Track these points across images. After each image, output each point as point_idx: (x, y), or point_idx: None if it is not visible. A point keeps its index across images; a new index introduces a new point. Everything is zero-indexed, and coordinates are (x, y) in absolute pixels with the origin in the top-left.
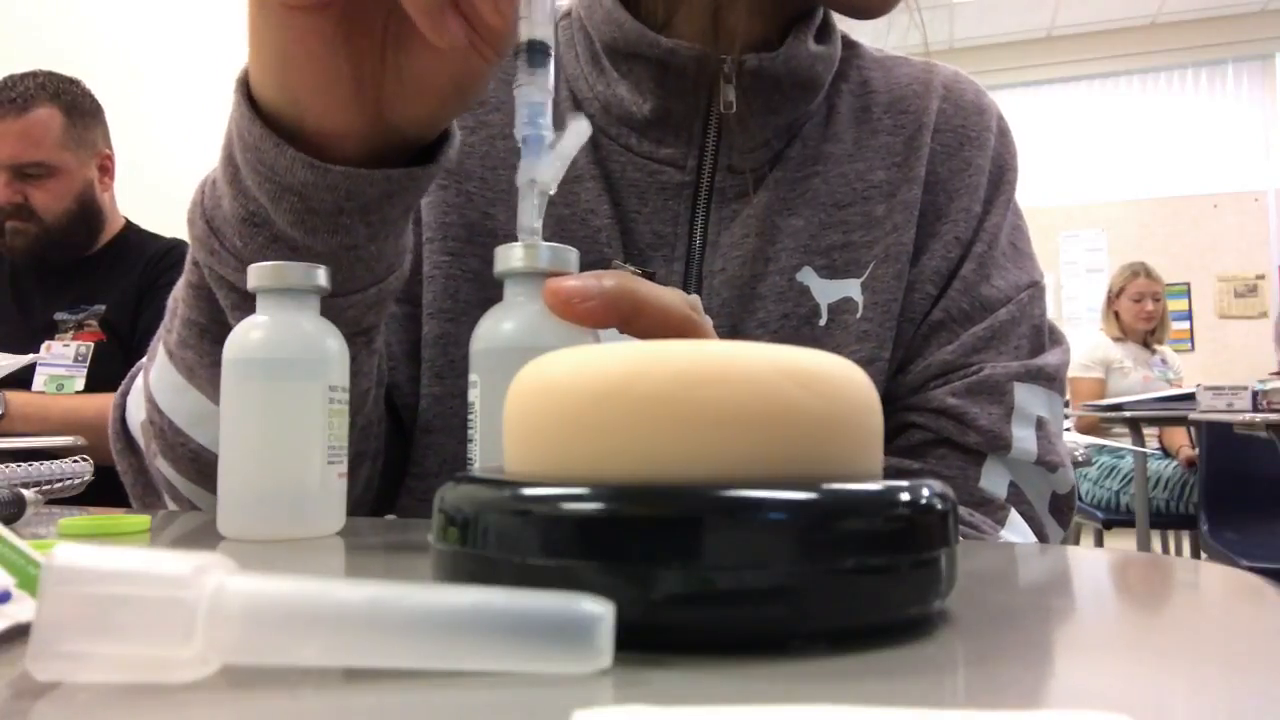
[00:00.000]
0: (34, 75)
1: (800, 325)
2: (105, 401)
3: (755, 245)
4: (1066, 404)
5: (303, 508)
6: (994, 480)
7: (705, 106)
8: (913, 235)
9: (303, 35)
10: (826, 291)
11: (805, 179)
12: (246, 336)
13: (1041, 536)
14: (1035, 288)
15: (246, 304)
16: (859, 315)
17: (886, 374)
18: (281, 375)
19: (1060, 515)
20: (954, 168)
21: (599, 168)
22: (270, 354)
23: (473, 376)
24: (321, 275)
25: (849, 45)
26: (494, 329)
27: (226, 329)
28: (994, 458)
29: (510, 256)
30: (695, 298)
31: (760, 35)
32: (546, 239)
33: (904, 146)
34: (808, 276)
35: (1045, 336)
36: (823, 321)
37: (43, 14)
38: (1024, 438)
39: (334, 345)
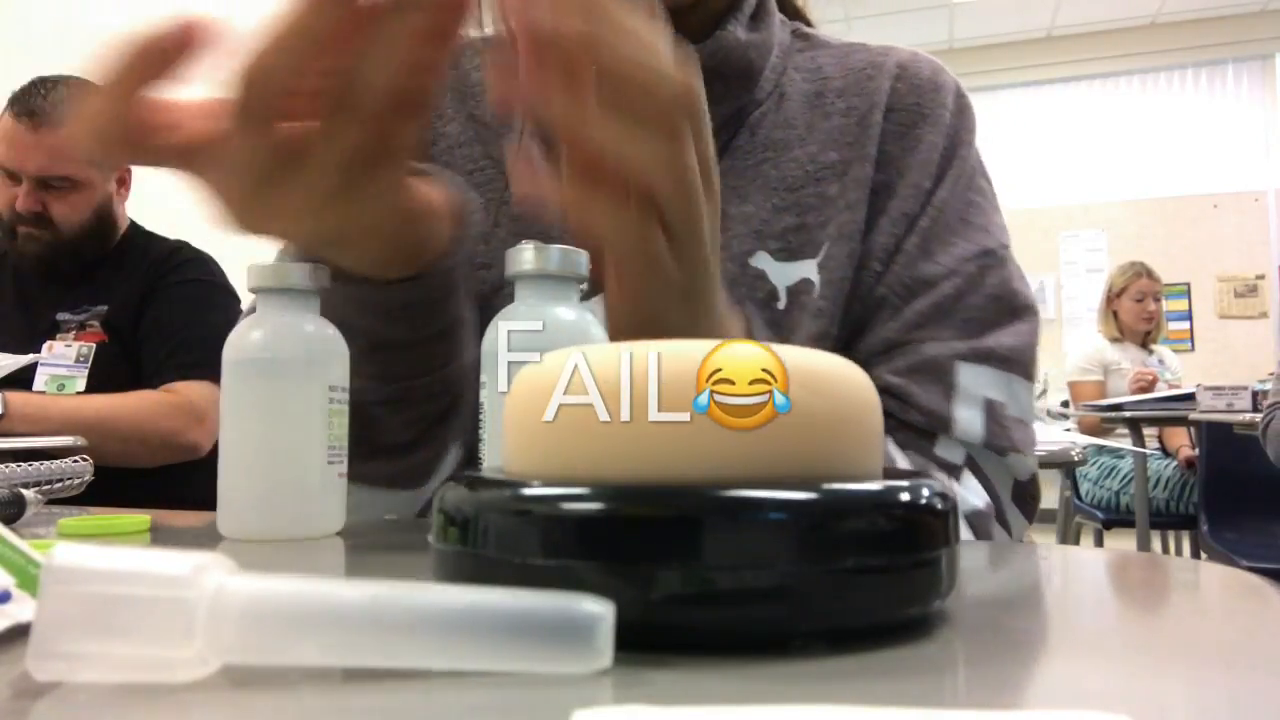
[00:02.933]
0: (66, 84)
1: (759, 310)
2: (105, 402)
3: None
4: (1066, 405)
5: (303, 508)
6: (949, 452)
7: None
8: (865, 214)
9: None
10: (783, 274)
11: (755, 166)
12: (246, 336)
13: (1003, 522)
14: (988, 256)
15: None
16: (815, 295)
17: (835, 351)
18: (281, 375)
19: (1023, 504)
20: (906, 145)
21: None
22: (270, 354)
23: (483, 378)
24: (322, 275)
25: (803, 36)
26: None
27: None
28: (944, 436)
29: (520, 259)
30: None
31: (689, 29)
32: (503, 238)
33: (856, 127)
34: (763, 260)
35: (1007, 306)
36: (781, 305)
37: (48, 18)
38: (968, 419)
39: (334, 345)
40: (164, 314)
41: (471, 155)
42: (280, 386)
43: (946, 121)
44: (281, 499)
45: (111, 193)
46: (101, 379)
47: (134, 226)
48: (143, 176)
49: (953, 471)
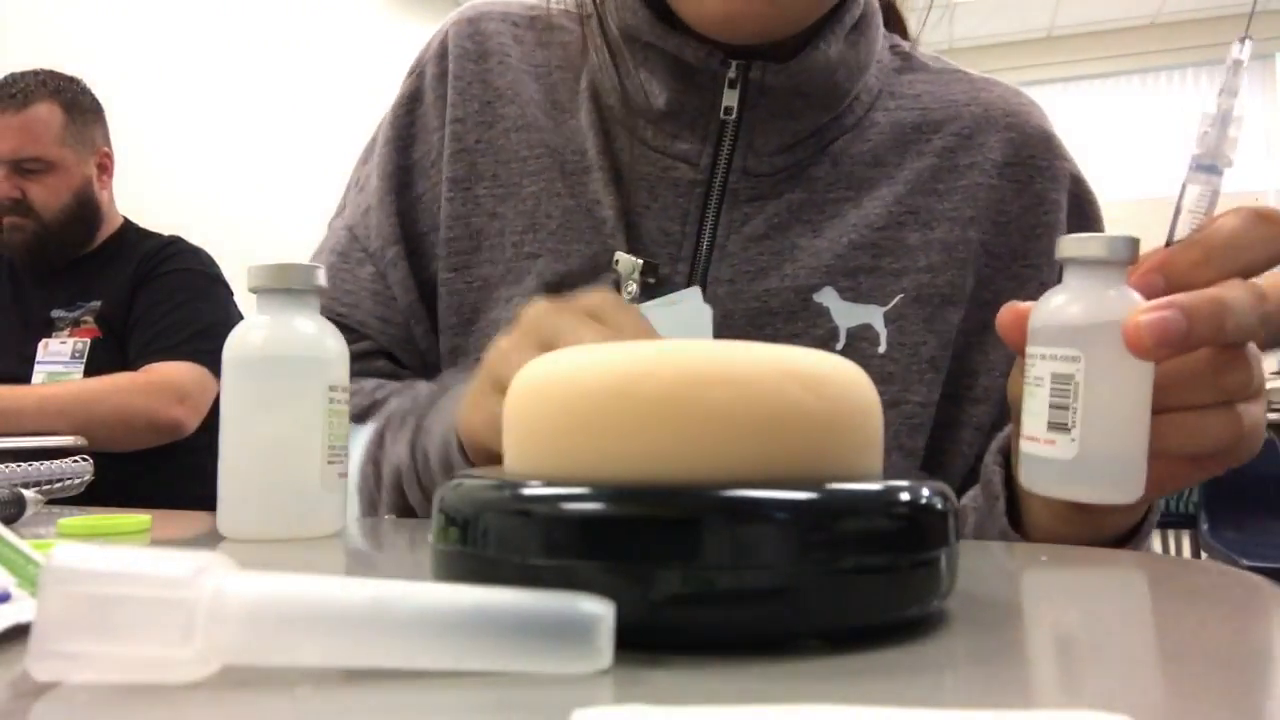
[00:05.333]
0: (35, 73)
1: (814, 346)
2: (79, 386)
3: (769, 262)
4: None
5: (303, 508)
6: None
7: (723, 103)
8: (954, 280)
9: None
10: (847, 314)
11: (835, 201)
12: (247, 336)
13: None
14: None
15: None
16: (881, 350)
17: (925, 426)
18: (281, 375)
19: None
20: (1026, 204)
21: (608, 159)
22: (270, 353)
23: (1072, 351)
24: (320, 275)
25: (902, 55)
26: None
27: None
28: None
29: (1072, 246)
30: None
31: (782, 35)
32: (552, 229)
33: (949, 173)
34: (828, 297)
35: None
36: (839, 345)
37: (40, 14)
38: None
39: (334, 345)
40: (151, 301)
41: (528, 141)
42: (280, 386)
43: (1066, 175)
44: (281, 499)
45: (90, 176)
46: (97, 374)
47: (128, 224)
48: (137, 176)
49: None
